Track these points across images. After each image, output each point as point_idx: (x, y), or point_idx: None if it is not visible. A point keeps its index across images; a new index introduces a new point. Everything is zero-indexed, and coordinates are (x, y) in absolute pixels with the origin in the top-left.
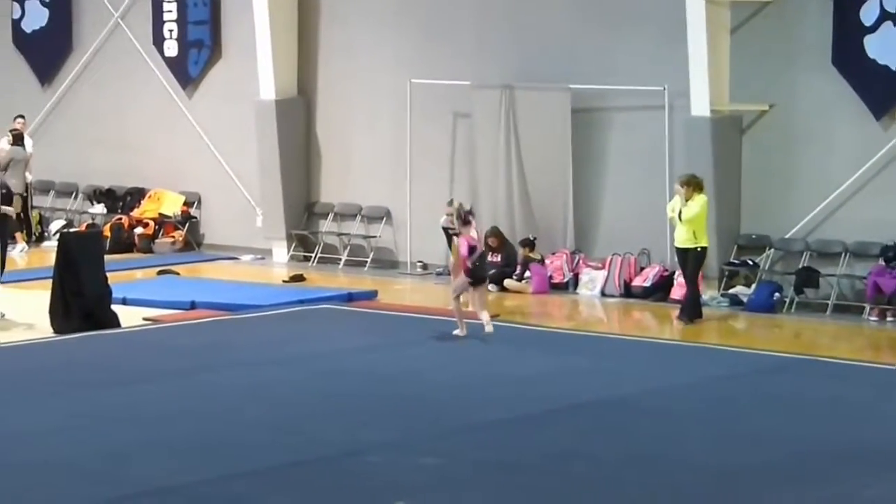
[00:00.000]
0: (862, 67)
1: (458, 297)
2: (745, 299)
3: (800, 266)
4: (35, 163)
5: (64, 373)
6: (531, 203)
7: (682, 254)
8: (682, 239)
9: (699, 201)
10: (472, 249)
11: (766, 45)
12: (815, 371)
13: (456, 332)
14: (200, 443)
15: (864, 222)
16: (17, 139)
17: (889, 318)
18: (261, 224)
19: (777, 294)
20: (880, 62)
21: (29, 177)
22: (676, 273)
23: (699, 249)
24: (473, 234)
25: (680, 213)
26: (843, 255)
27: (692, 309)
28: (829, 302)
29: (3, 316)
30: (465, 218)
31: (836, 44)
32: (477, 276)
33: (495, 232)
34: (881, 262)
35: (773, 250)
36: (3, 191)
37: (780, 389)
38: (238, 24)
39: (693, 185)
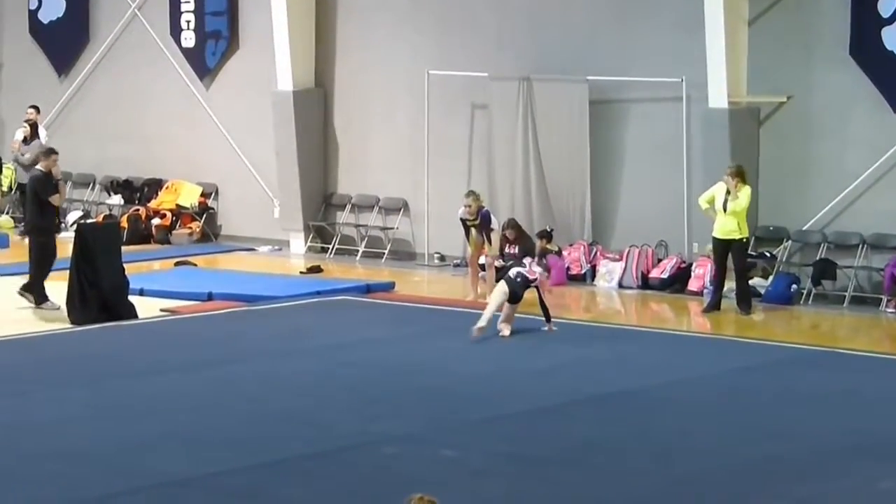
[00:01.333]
0: (880, 59)
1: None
2: (762, 291)
3: (817, 258)
4: None
5: (81, 364)
6: (549, 195)
7: (724, 245)
8: (726, 230)
9: (746, 192)
10: (525, 278)
11: (784, 37)
12: (832, 363)
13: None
14: (217, 434)
15: (882, 214)
16: (33, 130)
17: None
18: (278, 215)
19: (794, 286)
20: None
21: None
22: (694, 265)
23: (744, 240)
24: (536, 269)
25: (725, 203)
26: (860, 246)
27: (747, 300)
28: (847, 294)
29: (58, 308)
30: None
31: (854, 35)
32: (514, 296)
33: (512, 224)
34: None
35: (790, 242)
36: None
37: (797, 381)
38: (255, 14)
39: (741, 175)
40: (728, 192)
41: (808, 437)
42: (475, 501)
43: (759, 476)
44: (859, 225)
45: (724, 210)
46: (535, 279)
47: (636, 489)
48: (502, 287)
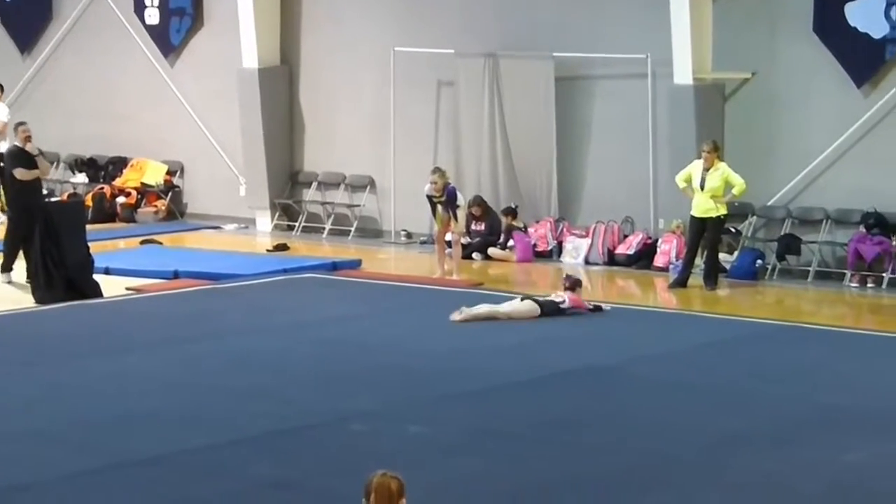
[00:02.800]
0: (843, 35)
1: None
2: (727, 266)
3: (782, 233)
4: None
5: (46, 343)
6: (515, 171)
7: (699, 223)
8: (703, 208)
9: (723, 169)
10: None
11: (749, 13)
12: (796, 338)
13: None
14: (184, 412)
15: (846, 189)
16: None
17: (870, 285)
18: (244, 193)
19: (759, 261)
20: (861, 30)
21: (4, 145)
22: (660, 241)
23: (721, 217)
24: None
25: (702, 181)
26: (824, 222)
27: (714, 276)
28: (811, 269)
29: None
30: (572, 286)
31: (818, 12)
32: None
33: (479, 201)
34: (862, 228)
35: (755, 217)
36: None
37: (762, 356)
38: None
39: (717, 151)
40: (705, 170)
41: (774, 411)
42: (444, 478)
43: (724, 450)
44: (823, 200)
45: (702, 188)
46: (565, 303)
47: (603, 464)
48: (531, 305)
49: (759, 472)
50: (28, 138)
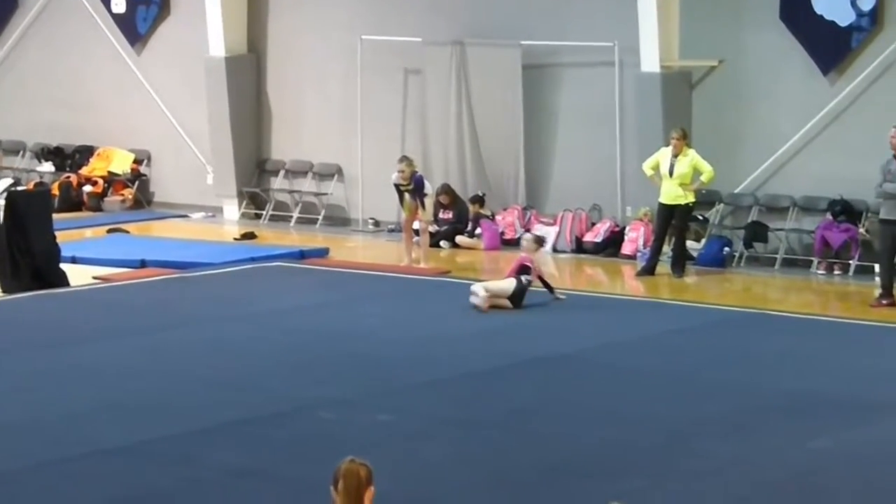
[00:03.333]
0: (809, 23)
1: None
2: (695, 254)
3: (749, 221)
4: None
5: (13, 333)
6: (482, 159)
7: (669, 210)
8: (672, 196)
9: (692, 156)
10: (524, 268)
11: (715, 1)
12: (763, 324)
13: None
14: (153, 401)
15: (812, 177)
16: None
17: (836, 272)
18: (211, 181)
19: (726, 248)
20: (827, 18)
21: None
22: (627, 228)
23: (690, 205)
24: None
25: (671, 168)
26: (791, 209)
27: (682, 263)
28: (778, 256)
29: None
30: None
31: (784, 0)
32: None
33: (446, 189)
34: (829, 216)
35: (722, 205)
36: None
37: (729, 343)
38: None
39: (686, 138)
40: (674, 157)
41: (740, 398)
42: (411, 465)
43: (691, 436)
44: (790, 188)
45: (670, 175)
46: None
47: (569, 452)
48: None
49: (725, 459)
50: None
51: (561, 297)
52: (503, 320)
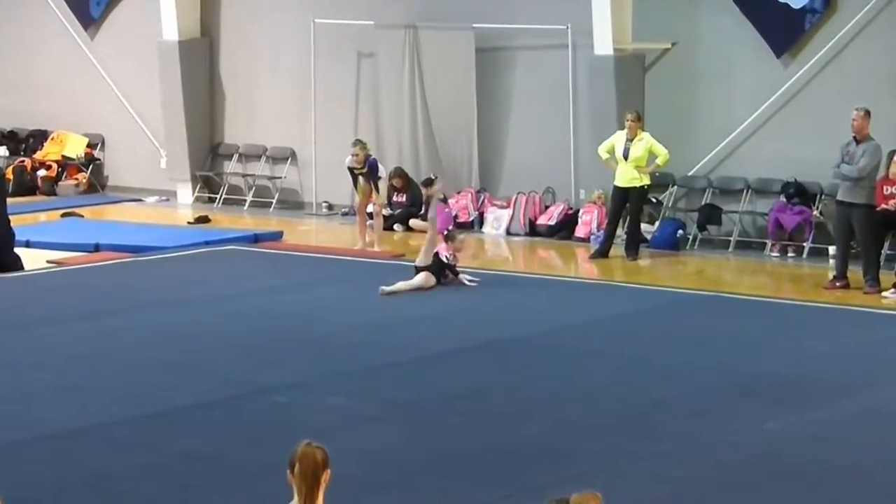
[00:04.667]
0: (762, 6)
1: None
2: (648, 237)
3: (702, 203)
4: None
5: None
6: (436, 143)
7: (623, 193)
8: (627, 178)
9: (647, 139)
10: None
11: None
12: (717, 307)
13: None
14: (107, 385)
15: (766, 159)
16: None
17: (790, 254)
18: (165, 165)
19: (680, 231)
20: (780, 0)
21: None
22: (581, 211)
23: (645, 188)
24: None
25: (626, 151)
26: (744, 191)
27: (636, 245)
28: (732, 238)
29: None
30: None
31: None
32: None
33: (399, 173)
34: (782, 198)
35: (676, 187)
36: None
37: (683, 326)
38: None
39: (640, 121)
40: (629, 140)
41: (695, 381)
42: (366, 448)
43: (644, 419)
44: (744, 170)
45: (625, 158)
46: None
47: (525, 434)
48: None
49: (679, 442)
50: None
51: (471, 283)
52: (457, 304)
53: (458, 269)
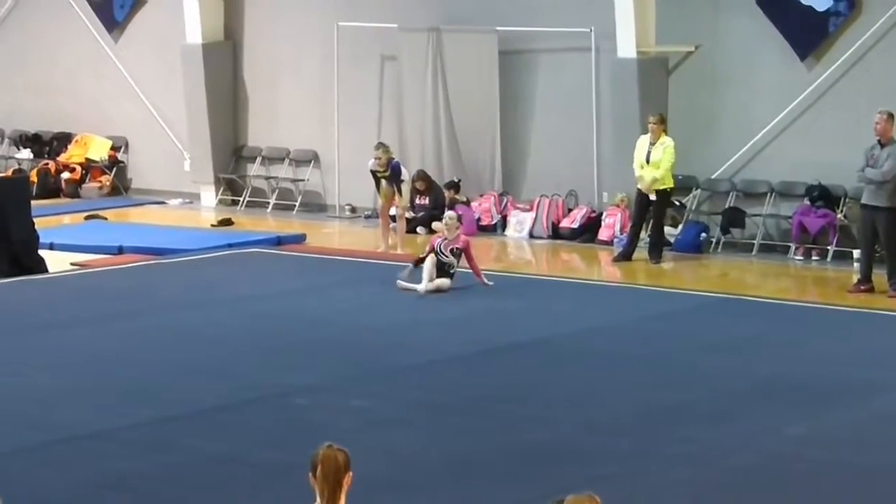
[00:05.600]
0: (786, 8)
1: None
2: (672, 240)
3: (726, 206)
4: None
5: None
6: (459, 146)
7: (646, 196)
8: (650, 181)
9: (667, 144)
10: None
11: None
12: (741, 310)
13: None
14: (130, 387)
15: (790, 162)
16: None
17: (814, 257)
18: (188, 168)
19: (704, 234)
20: (804, 3)
21: None
22: (604, 214)
23: (668, 191)
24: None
25: (648, 155)
26: (768, 194)
27: (659, 249)
28: (755, 241)
29: None
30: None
31: None
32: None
33: (422, 175)
34: (806, 201)
35: (699, 190)
36: None
37: (706, 329)
38: None
39: (664, 124)
40: (651, 144)
41: (717, 384)
42: (387, 450)
43: (667, 422)
44: (767, 173)
45: (647, 162)
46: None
47: (544, 436)
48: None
49: (700, 444)
50: None
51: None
52: (480, 306)
53: (453, 269)
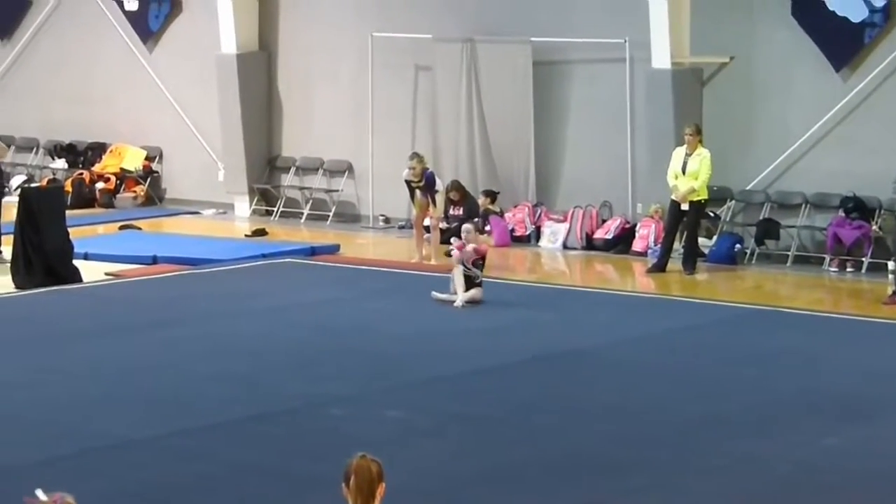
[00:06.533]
0: (822, 19)
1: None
2: (706, 251)
3: (760, 217)
4: None
5: (26, 328)
6: (493, 156)
7: (680, 207)
8: (684, 192)
9: (703, 156)
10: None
11: None
12: (775, 322)
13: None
14: (163, 396)
15: (824, 174)
16: None
17: (849, 269)
18: (222, 178)
19: (738, 245)
20: (839, 14)
21: None
22: (638, 225)
23: (702, 202)
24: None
25: (683, 166)
26: (803, 206)
27: (693, 260)
28: (790, 253)
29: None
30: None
31: None
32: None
33: (456, 185)
34: (841, 213)
35: (734, 202)
36: None
37: (740, 340)
38: None
39: (699, 135)
40: (687, 155)
41: (752, 396)
42: (421, 461)
43: (701, 434)
44: (802, 184)
45: (683, 172)
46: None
47: (579, 448)
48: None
49: (735, 456)
50: None
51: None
52: (513, 317)
53: (479, 279)
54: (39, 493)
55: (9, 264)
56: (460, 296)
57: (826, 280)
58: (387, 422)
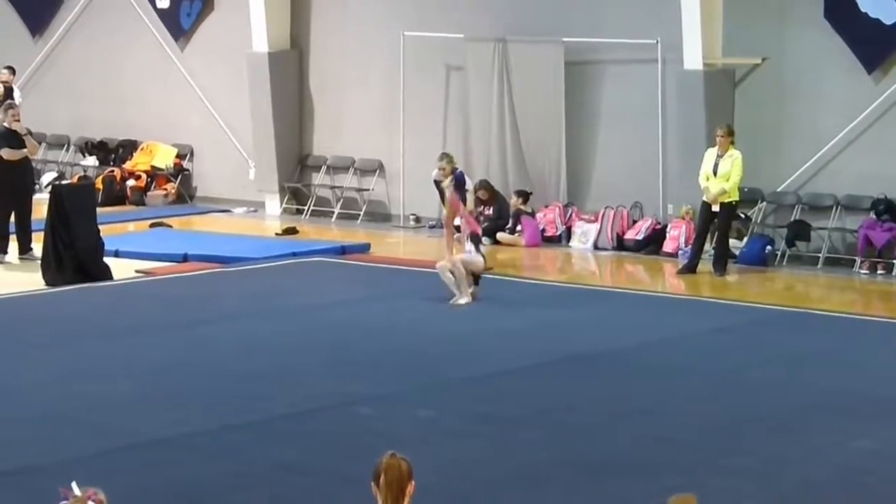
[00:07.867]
0: (854, 21)
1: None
2: (737, 252)
3: (791, 219)
4: (26, 115)
5: (57, 325)
6: (524, 156)
7: (711, 208)
8: (715, 193)
9: (735, 157)
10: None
11: None
12: (805, 323)
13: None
14: (194, 395)
15: (856, 175)
16: (8, 92)
17: (880, 271)
18: (253, 177)
19: (769, 247)
20: (872, 16)
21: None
22: (669, 226)
23: (733, 203)
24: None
25: (715, 167)
26: (834, 208)
27: (724, 261)
28: (821, 255)
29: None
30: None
31: None
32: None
33: (485, 185)
34: (872, 215)
35: (764, 203)
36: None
37: (771, 342)
38: None
39: (732, 136)
40: (719, 156)
41: (782, 397)
42: (451, 461)
43: (731, 435)
44: (833, 186)
45: (715, 174)
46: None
47: (608, 448)
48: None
49: (766, 458)
50: (16, 118)
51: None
52: (543, 317)
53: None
54: (74, 486)
55: (39, 261)
56: (465, 295)
57: (857, 282)
58: (417, 421)
